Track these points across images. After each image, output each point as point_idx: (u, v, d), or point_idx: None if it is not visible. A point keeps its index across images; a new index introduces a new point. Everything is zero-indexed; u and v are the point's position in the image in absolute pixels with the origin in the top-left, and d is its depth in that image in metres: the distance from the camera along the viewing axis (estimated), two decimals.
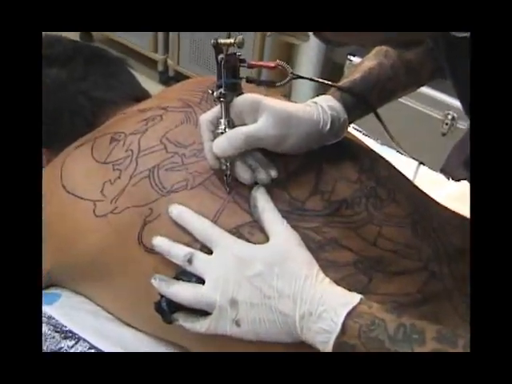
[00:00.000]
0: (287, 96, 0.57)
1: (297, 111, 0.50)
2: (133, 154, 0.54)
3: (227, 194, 0.51)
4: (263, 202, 0.49)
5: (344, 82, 0.57)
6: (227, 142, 0.48)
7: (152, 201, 0.51)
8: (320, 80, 0.60)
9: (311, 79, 0.60)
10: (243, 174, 0.50)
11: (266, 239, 0.48)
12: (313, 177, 0.53)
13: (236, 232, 0.49)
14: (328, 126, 0.52)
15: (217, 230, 0.48)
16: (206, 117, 0.50)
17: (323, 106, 0.53)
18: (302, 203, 0.52)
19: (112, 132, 0.56)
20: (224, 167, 0.50)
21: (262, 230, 0.49)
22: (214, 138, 0.49)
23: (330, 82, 0.57)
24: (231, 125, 0.50)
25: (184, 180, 0.52)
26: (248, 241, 0.48)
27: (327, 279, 0.45)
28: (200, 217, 0.49)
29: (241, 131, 0.48)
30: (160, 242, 0.49)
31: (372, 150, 0.60)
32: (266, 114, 0.48)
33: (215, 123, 0.50)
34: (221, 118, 0.49)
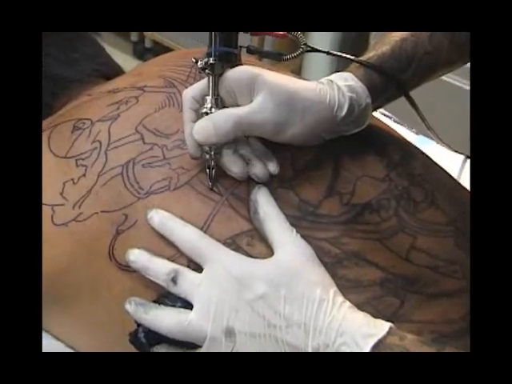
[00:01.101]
0: (297, 73, 0.57)
1: (304, 90, 0.50)
2: (101, 146, 0.54)
3: (220, 196, 0.51)
4: (266, 206, 0.50)
5: (369, 56, 0.56)
6: (212, 126, 0.48)
7: (126, 205, 0.52)
8: (338, 53, 0.59)
9: (328, 52, 0.58)
10: (232, 166, 0.50)
11: (270, 253, 0.48)
12: (328, 174, 0.54)
13: (232, 243, 0.50)
14: (344, 112, 0.51)
15: (208, 242, 0.49)
16: (190, 92, 0.50)
17: (340, 86, 0.52)
18: (315, 207, 0.52)
19: (75, 118, 0.56)
20: (207, 156, 0.50)
21: (265, 240, 0.49)
22: (198, 119, 0.49)
23: (350, 56, 0.56)
24: (220, 104, 0.50)
25: (166, 178, 0.52)
26: (247, 254, 0.49)
27: (347, 303, 0.45)
28: (187, 225, 0.49)
29: (230, 113, 0.48)
30: (137, 257, 0.49)
31: (405, 140, 0.60)
32: (264, 92, 0.48)
33: (200, 101, 0.50)
34: (207, 94, 0.49)
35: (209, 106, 0.49)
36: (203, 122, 0.49)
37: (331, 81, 0.53)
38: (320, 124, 0.51)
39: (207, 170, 0.51)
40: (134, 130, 0.55)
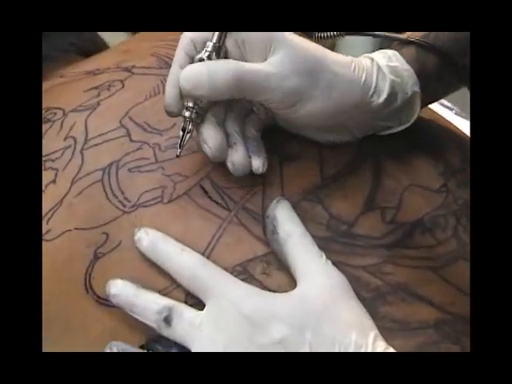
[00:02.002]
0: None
1: (334, 63, 0.50)
2: (76, 144, 0.54)
3: (228, 211, 0.51)
4: (288, 224, 0.49)
5: (423, 34, 0.56)
6: (206, 73, 0.48)
7: (107, 221, 0.51)
8: (382, 33, 0.57)
9: (370, 34, 0.57)
10: (208, 138, 0.50)
11: (292, 284, 0.48)
12: (367, 183, 0.54)
13: (242, 272, 0.49)
14: (382, 98, 0.51)
15: (211, 270, 0.48)
16: (190, 34, 0.50)
17: (381, 66, 0.52)
18: (350, 226, 0.52)
19: (43, 107, 0.56)
20: (186, 114, 0.50)
21: (286, 268, 0.49)
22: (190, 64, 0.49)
23: (398, 35, 0.56)
24: (222, 55, 0.50)
25: (158, 187, 0.52)
26: (262, 287, 0.49)
27: (391, 350, 0.45)
28: (185, 248, 0.49)
29: (234, 64, 0.48)
30: (120, 290, 0.48)
31: (468, 140, 0.60)
32: (283, 53, 0.48)
33: (200, 47, 0.50)
34: (210, 40, 0.49)
35: (209, 49, 0.49)
36: (196, 66, 0.48)
37: (371, 58, 0.53)
38: (348, 107, 0.51)
39: (180, 133, 0.50)
40: (119, 123, 0.55)
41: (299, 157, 0.54)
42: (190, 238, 0.50)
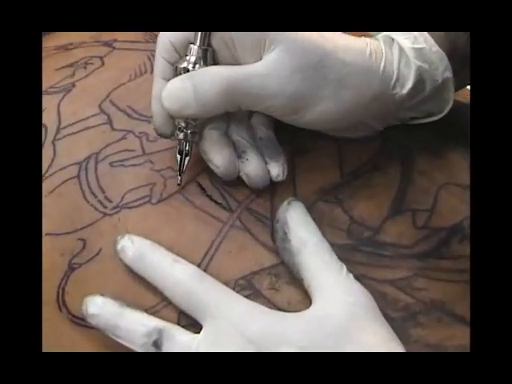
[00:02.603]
0: None
1: (345, 51, 0.48)
2: (46, 134, 0.54)
3: (229, 213, 0.51)
4: (302, 230, 0.48)
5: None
6: (192, 89, 0.47)
7: (85, 225, 0.51)
8: None
9: None
10: (214, 155, 0.50)
11: (306, 302, 0.47)
12: (395, 181, 0.53)
13: (246, 286, 0.49)
14: (407, 89, 0.50)
15: (209, 285, 0.47)
16: (169, 35, 0.50)
17: (404, 49, 0.50)
18: (375, 232, 0.51)
19: None
20: (180, 136, 0.50)
21: (298, 282, 0.48)
22: (174, 76, 0.49)
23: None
24: (210, 59, 0.49)
25: (146, 185, 0.52)
26: (269, 304, 0.48)
27: None
28: (177, 259, 0.48)
29: (222, 74, 0.47)
30: (100, 309, 0.48)
31: None
32: (281, 49, 0.47)
33: (182, 50, 0.50)
34: (193, 42, 0.48)
35: (193, 58, 0.48)
36: (179, 83, 0.48)
37: (391, 38, 0.51)
38: (365, 103, 0.50)
39: (177, 157, 0.50)
40: (98, 108, 0.55)
41: (314, 148, 0.53)
42: (184, 245, 0.50)
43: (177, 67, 0.49)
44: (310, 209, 0.50)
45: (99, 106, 0.55)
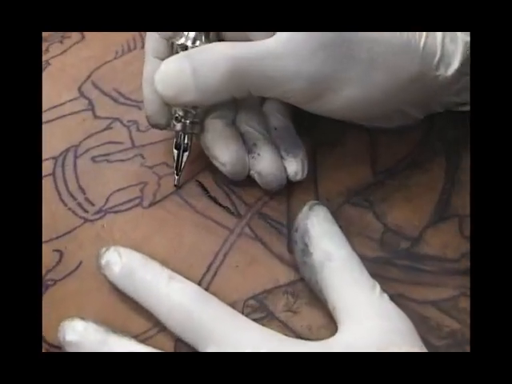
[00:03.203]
0: None
1: None
2: None
3: (237, 218, 0.51)
4: (327, 240, 0.47)
5: None
6: (190, 71, 0.47)
7: (61, 233, 0.51)
8: None
9: None
10: (220, 151, 0.50)
11: (331, 327, 0.47)
12: (438, 181, 0.53)
13: (257, 308, 0.48)
14: (452, 70, 0.49)
15: (212, 307, 0.46)
16: None
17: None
18: (415, 242, 0.50)
19: None
20: (177, 127, 0.50)
21: (320, 303, 0.47)
22: (169, 55, 0.49)
23: None
24: (212, 35, 0.49)
25: (136, 184, 0.52)
26: (286, 330, 0.47)
27: None
28: (174, 276, 0.47)
29: (226, 53, 0.47)
30: (81, 335, 0.47)
31: None
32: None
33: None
34: None
35: (192, 34, 0.49)
36: (176, 63, 0.48)
37: None
38: (401, 86, 0.50)
39: (174, 152, 0.51)
40: (77, 91, 0.55)
41: (341, 141, 0.54)
42: (183, 259, 0.50)
43: (173, 44, 0.49)
44: (336, 214, 0.50)
45: (79, 88, 0.55)
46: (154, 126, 0.52)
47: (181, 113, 0.50)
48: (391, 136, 0.54)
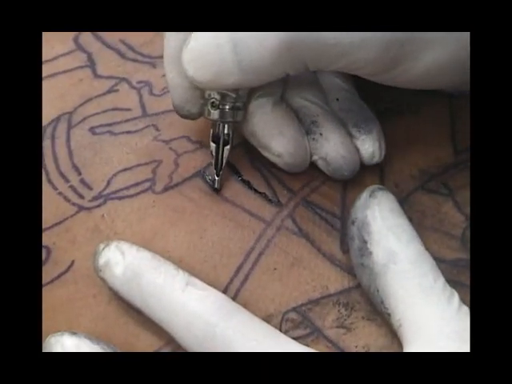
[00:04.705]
0: None
1: None
2: None
3: (277, 208, 0.52)
4: (392, 237, 0.48)
5: None
6: (231, 47, 0.47)
7: (49, 224, 0.52)
8: None
9: None
10: (271, 138, 0.51)
11: (395, 348, 0.48)
12: None
13: (299, 322, 0.49)
14: None
15: (242, 322, 0.47)
16: None
17: None
18: None
19: None
20: (214, 116, 0.51)
21: (381, 317, 0.49)
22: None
23: None
24: None
25: (147, 162, 0.54)
26: (336, 351, 0.49)
27: None
28: (192, 281, 0.48)
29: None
30: (66, 349, 0.47)
31: None
32: None
33: None
34: None
35: None
36: (210, 37, 0.48)
37: None
38: None
39: (212, 145, 0.52)
40: (73, 42, 0.56)
41: (413, 109, 0.54)
42: (204, 258, 0.51)
43: None
44: (406, 203, 0.51)
45: (75, 39, 0.56)
46: (185, 116, 0.53)
47: (217, 97, 0.50)
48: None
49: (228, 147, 0.51)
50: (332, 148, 0.50)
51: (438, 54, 0.49)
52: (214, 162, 0.51)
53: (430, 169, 0.52)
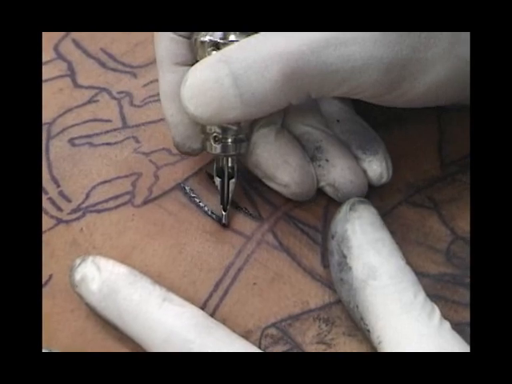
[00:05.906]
0: None
1: None
2: None
3: (258, 222, 0.52)
4: (372, 251, 0.48)
5: None
6: (232, 83, 0.47)
7: None
8: None
9: None
10: (276, 168, 0.51)
11: None
12: None
13: (279, 338, 0.49)
14: None
15: (220, 339, 0.47)
16: None
17: None
18: None
19: None
20: (218, 150, 0.51)
21: (361, 334, 0.49)
22: (197, 57, 0.50)
23: None
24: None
25: (127, 175, 0.54)
26: None
27: None
28: (170, 297, 0.48)
29: (281, 45, 0.47)
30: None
31: None
32: None
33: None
34: None
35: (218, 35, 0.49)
36: (208, 71, 0.48)
37: None
38: None
39: (216, 180, 0.52)
40: (53, 51, 0.56)
41: (400, 121, 0.55)
42: (183, 273, 0.51)
43: (196, 41, 0.50)
44: (389, 216, 0.51)
45: (55, 47, 0.56)
46: (187, 153, 0.53)
47: (219, 130, 0.50)
48: (466, 114, 0.51)
49: (233, 180, 0.51)
50: (339, 174, 0.51)
51: (439, 73, 0.49)
52: (220, 197, 0.51)
53: (417, 182, 0.52)
